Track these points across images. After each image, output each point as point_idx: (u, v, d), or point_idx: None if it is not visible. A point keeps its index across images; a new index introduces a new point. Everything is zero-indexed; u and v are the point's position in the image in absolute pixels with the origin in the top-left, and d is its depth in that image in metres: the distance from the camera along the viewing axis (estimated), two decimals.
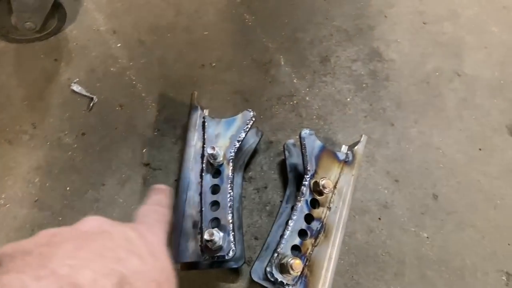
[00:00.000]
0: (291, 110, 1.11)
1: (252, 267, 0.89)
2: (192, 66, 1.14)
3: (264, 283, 0.88)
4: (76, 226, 0.40)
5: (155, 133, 1.05)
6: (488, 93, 1.17)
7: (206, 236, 0.77)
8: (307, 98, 1.12)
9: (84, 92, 1.08)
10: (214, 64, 1.14)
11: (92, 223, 0.40)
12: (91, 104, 1.07)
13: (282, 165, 1.04)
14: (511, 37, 1.26)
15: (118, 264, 0.36)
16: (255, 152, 1.05)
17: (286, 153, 1.01)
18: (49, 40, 1.14)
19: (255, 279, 0.87)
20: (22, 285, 0.29)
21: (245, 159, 1.01)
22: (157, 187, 0.63)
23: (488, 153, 1.10)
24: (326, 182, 0.87)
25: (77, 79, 1.10)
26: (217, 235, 0.78)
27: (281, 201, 0.98)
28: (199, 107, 0.97)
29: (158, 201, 0.59)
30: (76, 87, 1.08)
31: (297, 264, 0.78)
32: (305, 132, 0.92)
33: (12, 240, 0.39)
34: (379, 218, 1.00)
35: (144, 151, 1.03)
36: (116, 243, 0.38)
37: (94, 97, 1.07)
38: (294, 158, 1.01)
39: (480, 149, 1.10)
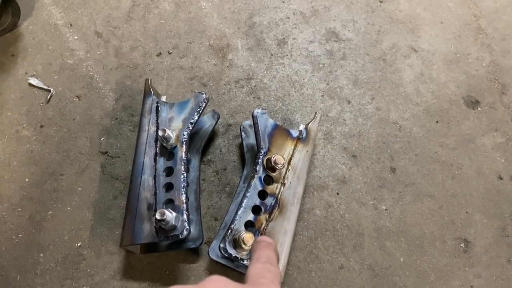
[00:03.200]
0: (249, 93, 1.12)
1: (209, 246, 0.90)
2: (149, 54, 1.14)
3: (222, 261, 0.89)
4: (202, 285, 0.39)
5: (113, 122, 1.06)
6: (445, 67, 1.19)
7: (157, 216, 0.77)
8: (265, 81, 1.14)
9: (41, 85, 1.08)
10: (171, 52, 1.15)
11: (218, 284, 0.40)
12: (48, 97, 1.07)
13: (241, 147, 1.05)
14: (466, 11, 1.27)
15: None
16: (213, 135, 1.06)
17: (243, 134, 1.02)
18: (5, 36, 1.15)
19: (213, 257, 0.89)
20: None
21: (202, 142, 1.02)
22: (263, 240, 0.62)
23: (445, 125, 1.11)
24: (277, 158, 0.88)
25: (34, 73, 1.10)
26: (169, 215, 0.79)
27: (239, 181, 0.99)
28: (153, 93, 0.98)
29: (268, 259, 0.57)
30: (33, 81, 1.08)
31: (248, 237, 0.79)
32: (257, 111, 0.93)
33: None
34: (337, 193, 1.01)
35: (102, 139, 1.04)
36: None
37: (52, 89, 1.08)
38: (251, 139, 1.02)
39: (437, 122, 1.12)
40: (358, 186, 1.02)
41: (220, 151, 1.05)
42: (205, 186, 1.01)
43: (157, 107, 0.96)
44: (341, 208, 1.00)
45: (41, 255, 0.93)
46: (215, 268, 0.93)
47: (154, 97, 0.97)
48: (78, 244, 0.94)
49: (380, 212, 1.00)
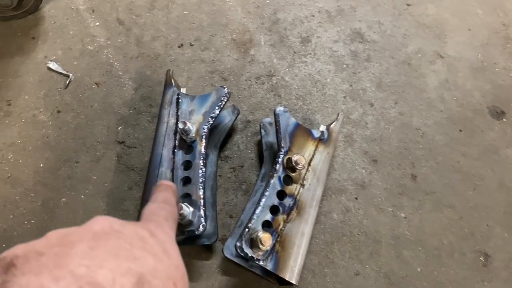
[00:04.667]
0: (270, 90, 1.10)
1: (224, 244, 0.88)
2: (170, 45, 1.12)
3: (236, 260, 0.87)
4: (87, 226, 0.38)
5: (131, 111, 1.04)
6: (470, 75, 1.16)
7: None
8: (287, 78, 1.11)
9: (60, 70, 1.07)
10: (192, 44, 1.13)
11: (102, 223, 0.38)
12: (67, 82, 1.05)
13: (259, 144, 1.03)
14: (495, 19, 1.24)
15: (135, 263, 0.34)
16: (232, 131, 1.04)
17: (262, 131, 1.00)
18: (27, 18, 1.13)
19: (227, 255, 0.87)
20: (41, 286, 0.28)
21: (220, 137, 1.00)
22: (163, 183, 0.61)
23: (469, 134, 1.09)
24: (298, 158, 0.86)
25: (54, 57, 1.09)
26: (186, 210, 0.77)
27: (257, 180, 0.97)
28: (174, 84, 0.96)
29: (165, 199, 0.57)
30: (52, 65, 1.07)
31: (266, 238, 0.77)
32: (279, 109, 0.91)
33: None
34: (356, 198, 0.99)
35: (119, 129, 1.02)
36: (130, 242, 0.37)
37: (71, 75, 1.06)
38: (270, 137, 1.00)
39: (460, 130, 1.09)
40: (377, 192, 1.00)
41: (238, 147, 1.03)
42: (221, 182, 0.99)
43: (177, 99, 0.94)
44: (359, 213, 0.98)
45: None
46: (228, 266, 0.91)
47: (175, 88, 0.95)
48: None
49: (398, 220, 0.98)
